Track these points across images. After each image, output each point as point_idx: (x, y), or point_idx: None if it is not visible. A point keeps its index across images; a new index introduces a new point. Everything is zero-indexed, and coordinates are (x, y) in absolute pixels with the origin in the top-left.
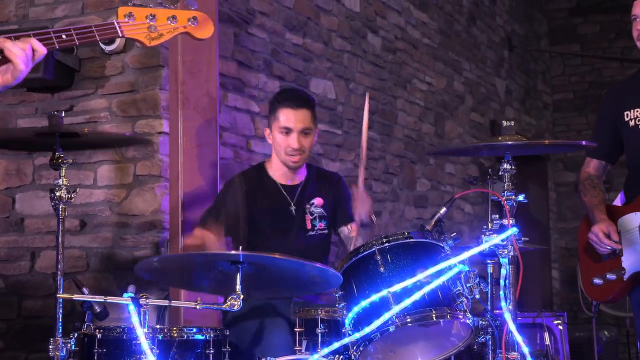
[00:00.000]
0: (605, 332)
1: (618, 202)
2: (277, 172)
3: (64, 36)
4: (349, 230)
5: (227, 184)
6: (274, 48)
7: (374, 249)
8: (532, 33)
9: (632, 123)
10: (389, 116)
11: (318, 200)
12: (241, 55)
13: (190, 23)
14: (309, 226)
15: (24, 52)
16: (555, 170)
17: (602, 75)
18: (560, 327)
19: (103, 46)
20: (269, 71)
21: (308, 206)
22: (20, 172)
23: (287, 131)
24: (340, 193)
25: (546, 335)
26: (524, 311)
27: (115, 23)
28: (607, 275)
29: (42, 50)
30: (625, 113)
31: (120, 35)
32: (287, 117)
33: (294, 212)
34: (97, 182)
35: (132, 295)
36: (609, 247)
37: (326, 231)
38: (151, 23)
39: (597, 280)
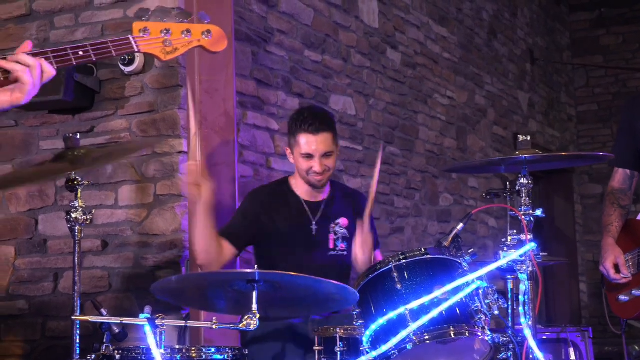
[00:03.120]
0: (636, 347)
1: None
2: (301, 188)
3: (80, 52)
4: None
5: (248, 196)
6: (293, 65)
7: (390, 265)
8: (554, 45)
9: None
10: (410, 131)
11: (343, 221)
12: (260, 73)
13: (204, 36)
14: (331, 245)
15: (32, 76)
16: (580, 183)
17: (626, 87)
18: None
19: (122, 67)
20: (288, 89)
21: (333, 225)
22: (43, 194)
23: (309, 156)
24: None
25: (571, 350)
26: (550, 326)
27: (131, 38)
28: (633, 292)
29: (51, 71)
30: None
31: (136, 50)
32: (309, 142)
33: (314, 230)
34: (118, 203)
35: (148, 316)
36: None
37: (346, 253)
38: (166, 37)
39: (622, 297)
